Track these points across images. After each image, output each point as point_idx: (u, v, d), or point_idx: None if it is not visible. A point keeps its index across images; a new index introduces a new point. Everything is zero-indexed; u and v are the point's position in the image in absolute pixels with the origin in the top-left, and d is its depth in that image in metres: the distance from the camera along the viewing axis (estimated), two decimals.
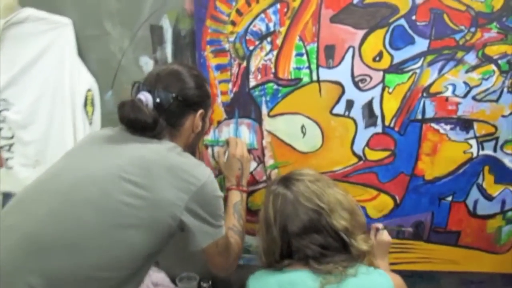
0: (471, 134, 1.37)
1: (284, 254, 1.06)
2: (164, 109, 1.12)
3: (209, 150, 1.51)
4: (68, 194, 1.00)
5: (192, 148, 1.26)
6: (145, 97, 1.11)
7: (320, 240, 1.01)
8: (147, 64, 1.51)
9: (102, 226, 0.98)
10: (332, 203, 1.04)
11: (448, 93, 1.35)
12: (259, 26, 1.39)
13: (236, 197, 1.37)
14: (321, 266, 1.00)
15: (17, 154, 1.55)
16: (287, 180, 1.10)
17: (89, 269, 0.96)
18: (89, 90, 1.54)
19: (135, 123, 1.09)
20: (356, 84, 1.38)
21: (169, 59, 1.49)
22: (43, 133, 1.54)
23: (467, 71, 1.33)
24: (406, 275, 1.18)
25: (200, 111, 1.19)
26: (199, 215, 1.07)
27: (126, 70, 1.53)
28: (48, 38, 1.49)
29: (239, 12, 1.39)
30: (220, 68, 1.44)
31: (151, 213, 1.01)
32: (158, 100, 1.11)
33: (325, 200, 1.04)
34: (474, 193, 1.41)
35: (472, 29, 1.30)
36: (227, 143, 1.45)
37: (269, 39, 1.39)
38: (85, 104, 1.54)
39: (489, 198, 1.41)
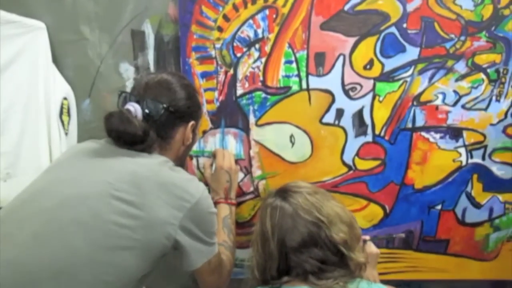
0: (460, 142, 1.37)
1: (280, 269, 1.00)
2: (154, 120, 1.06)
3: (194, 161, 1.45)
4: (54, 215, 0.92)
5: (182, 161, 1.20)
6: (134, 107, 1.05)
7: (319, 254, 0.97)
8: (128, 71, 1.44)
9: (92, 250, 0.90)
10: (331, 216, 0.99)
11: (438, 102, 1.34)
12: (247, 32, 1.35)
13: (225, 211, 1.31)
14: (321, 282, 0.95)
15: None
16: (284, 193, 1.04)
17: None
18: (65, 99, 1.44)
19: (124, 136, 1.02)
20: (346, 93, 1.35)
21: (151, 66, 1.43)
22: (15, 144, 1.43)
23: (457, 80, 1.33)
24: (393, 285, 1.17)
25: (191, 123, 1.13)
26: (193, 234, 1.02)
27: (105, 78, 1.45)
28: (21, 43, 1.39)
29: (226, 18, 1.34)
30: (205, 75, 1.38)
31: (144, 234, 0.94)
32: (147, 111, 1.05)
33: (324, 213, 0.99)
34: (463, 201, 1.41)
35: (462, 38, 1.30)
36: (213, 155, 1.40)
37: (257, 46, 1.35)
38: (61, 113, 1.44)
39: (477, 206, 1.41)
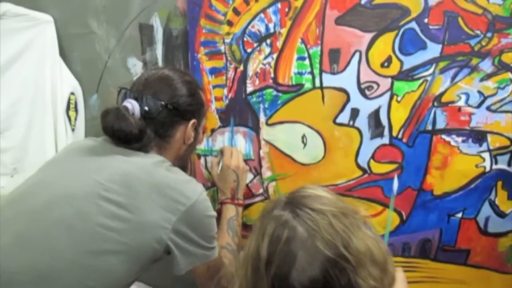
0: (484, 147, 1.27)
1: None
2: (153, 118, 1.02)
3: (202, 160, 1.40)
4: (39, 215, 0.89)
5: (184, 161, 1.16)
6: (132, 104, 1.02)
7: None
8: (136, 66, 1.40)
9: (76, 252, 0.87)
10: (361, 253, 0.70)
11: (461, 103, 1.25)
12: (258, 27, 1.28)
13: (230, 211, 1.26)
14: None
15: None
16: (298, 206, 0.74)
17: None
18: (72, 94, 1.42)
19: (120, 134, 0.98)
20: (362, 92, 1.28)
21: (160, 61, 1.38)
22: (22, 139, 1.42)
23: (482, 80, 1.23)
24: None
25: (193, 121, 1.09)
26: (188, 238, 0.97)
27: (113, 73, 1.42)
28: (28, 36, 1.38)
29: (236, 12, 1.28)
30: (214, 71, 1.33)
31: (133, 237, 0.90)
32: (146, 108, 1.01)
33: (352, 248, 0.69)
34: (486, 210, 1.31)
35: (489, 34, 1.20)
36: (221, 152, 1.35)
37: (268, 41, 1.29)
38: (68, 109, 1.42)
39: (501, 215, 1.31)
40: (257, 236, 0.75)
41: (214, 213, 1.04)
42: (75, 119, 1.44)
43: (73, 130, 1.44)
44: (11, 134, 1.41)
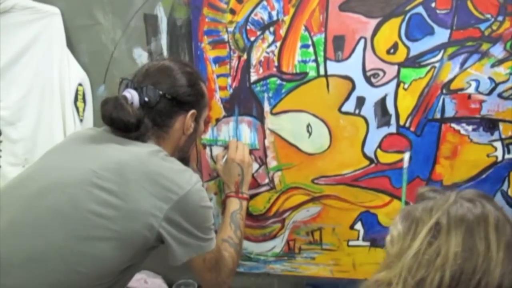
0: (496, 135, 1.23)
1: None
2: (151, 108, 1.02)
3: (207, 149, 1.40)
4: (33, 202, 0.91)
5: (184, 152, 1.16)
6: (131, 94, 1.02)
7: None
8: (141, 57, 1.40)
9: (66, 238, 0.88)
10: None
11: (471, 90, 1.21)
12: (261, 14, 1.26)
13: (234, 205, 1.26)
14: None
15: (5, 152, 1.46)
16: (471, 198, 0.74)
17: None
18: (80, 85, 1.43)
19: (117, 122, 0.99)
20: (367, 79, 1.25)
21: (165, 51, 1.38)
22: (32, 130, 1.44)
23: (493, 65, 1.18)
24: None
25: (192, 112, 1.09)
26: (182, 227, 0.97)
27: (119, 63, 1.42)
28: (36, 29, 1.38)
29: (239, 0, 1.27)
30: (218, 61, 1.32)
31: (124, 224, 0.91)
32: (146, 99, 1.02)
33: None
34: (498, 201, 1.23)
35: (500, 18, 1.15)
36: (227, 147, 1.34)
37: (271, 29, 1.26)
38: (76, 100, 1.43)
39: None
40: (453, 233, 0.70)
41: (210, 204, 1.03)
42: (83, 110, 1.45)
43: (81, 121, 1.45)
44: (22, 125, 1.43)
